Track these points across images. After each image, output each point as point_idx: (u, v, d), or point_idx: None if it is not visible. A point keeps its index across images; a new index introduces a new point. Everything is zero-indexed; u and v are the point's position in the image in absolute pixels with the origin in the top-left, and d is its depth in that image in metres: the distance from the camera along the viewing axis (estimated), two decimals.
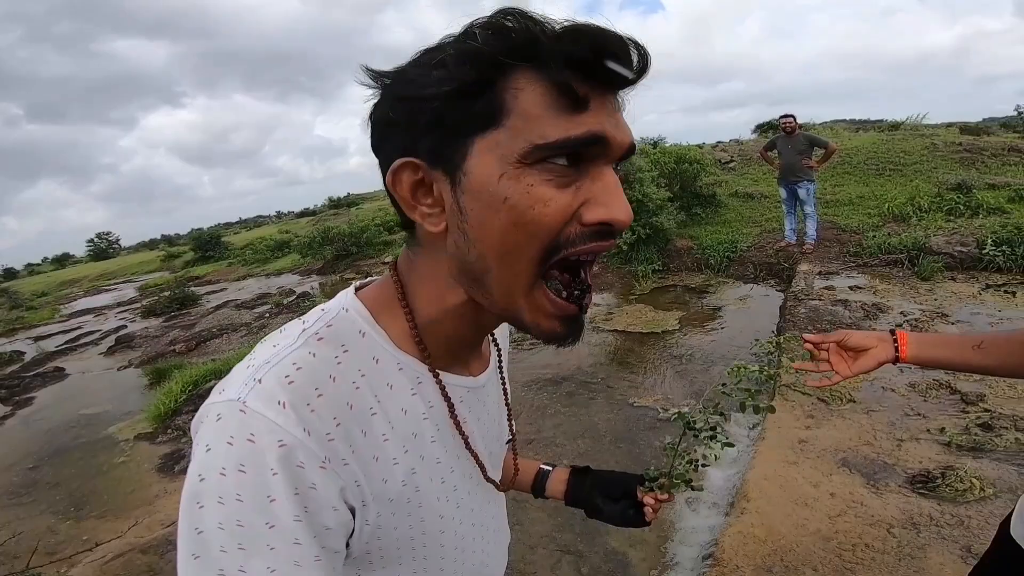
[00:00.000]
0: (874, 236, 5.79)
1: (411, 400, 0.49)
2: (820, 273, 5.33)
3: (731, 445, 0.81)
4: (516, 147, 0.39)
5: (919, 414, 2.77)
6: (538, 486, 0.85)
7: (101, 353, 7.62)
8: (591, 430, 3.36)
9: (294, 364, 0.43)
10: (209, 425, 0.41)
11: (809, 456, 2.54)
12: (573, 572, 2.22)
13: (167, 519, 3.00)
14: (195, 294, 10.80)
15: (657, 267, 6.77)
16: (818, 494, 2.25)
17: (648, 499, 0.78)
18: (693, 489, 0.79)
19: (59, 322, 11.30)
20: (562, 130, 0.39)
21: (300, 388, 0.42)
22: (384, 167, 0.44)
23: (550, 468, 0.85)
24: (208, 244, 19.96)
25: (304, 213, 38.15)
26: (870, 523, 2.05)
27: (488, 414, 0.59)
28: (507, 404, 0.65)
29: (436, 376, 0.50)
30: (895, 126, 11.63)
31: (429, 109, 0.40)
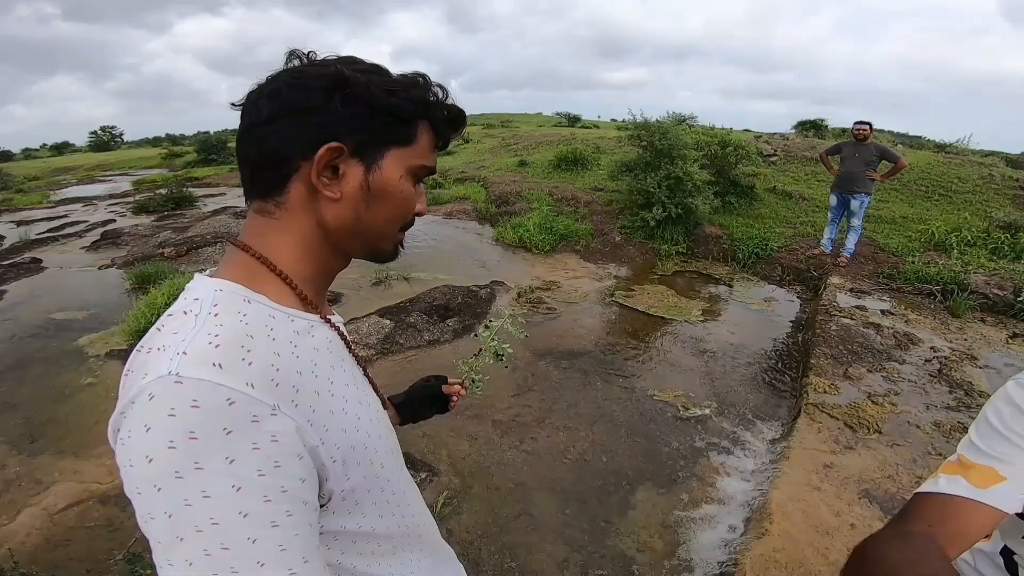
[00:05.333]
0: (912, 262, 5.56)
1: (315, 342, 0.55)
2: (851, 290, 5.13)
3: (500, 357, 1.04)
4: (413, 163, 0.59)
5: (940, 454, 2.68)
6: None
7: (84, 247, 6.92)
8: (607, 418, 3.18)
9: (210, 333, 0.44)
10: (140, 407, 0.41)
11: (833, 483, 2.45)
12: (579, 572, 2.11)
13: None
14: (192, 195, 10.01)
15: (682, 249, 6.54)
16: (839, 523, 2.19)
17: (453, 390, 1.00)
18: (475, 383, 1.02)
19: (46, 207, 10.68)
20: (431, 160, 0.62)
21: (229, 347, 0.44)
22: (283, 137, 0.53)
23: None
24: (214, 148, 19.59)
25: None
26: None
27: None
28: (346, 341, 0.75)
29: (325, 319, 0.59)
30: (941, 147, 11.18)
31: (375, 119, 0.55)
